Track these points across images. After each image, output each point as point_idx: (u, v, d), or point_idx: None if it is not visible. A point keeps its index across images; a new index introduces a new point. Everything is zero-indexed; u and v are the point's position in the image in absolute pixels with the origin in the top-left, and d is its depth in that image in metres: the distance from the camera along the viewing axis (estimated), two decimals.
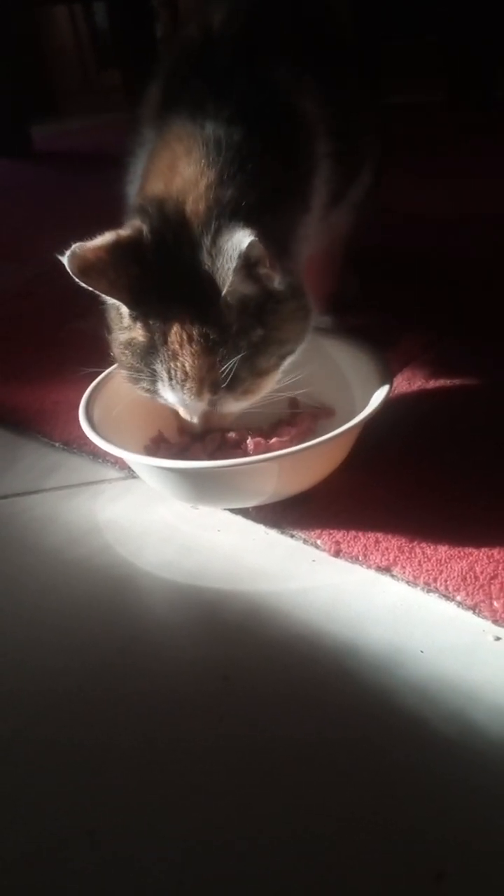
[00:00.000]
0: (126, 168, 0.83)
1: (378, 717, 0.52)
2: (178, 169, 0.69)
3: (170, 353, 0.65)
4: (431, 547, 0.64)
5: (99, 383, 0.77)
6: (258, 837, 0.46)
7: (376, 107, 1.03)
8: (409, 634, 0.57)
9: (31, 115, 2.73)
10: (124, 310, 0.67)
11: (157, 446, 0.76)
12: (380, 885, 0.43)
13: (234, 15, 0.80)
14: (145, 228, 0.66)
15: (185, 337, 0.64)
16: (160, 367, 0.66)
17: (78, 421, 0.72)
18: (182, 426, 0.74)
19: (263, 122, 0.71)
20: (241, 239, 0.60)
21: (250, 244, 0.59)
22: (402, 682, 0.54)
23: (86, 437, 0.70)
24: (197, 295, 0.64)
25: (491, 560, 0.62)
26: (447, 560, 0.62)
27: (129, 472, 0.79)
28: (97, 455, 0.82)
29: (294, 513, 0.70)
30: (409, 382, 0.89)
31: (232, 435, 0.75)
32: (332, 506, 0.70)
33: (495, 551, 0.62)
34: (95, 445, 0.69)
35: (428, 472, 0.73)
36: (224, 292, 0.62)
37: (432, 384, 0.88)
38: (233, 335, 0.64)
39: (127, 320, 0.67)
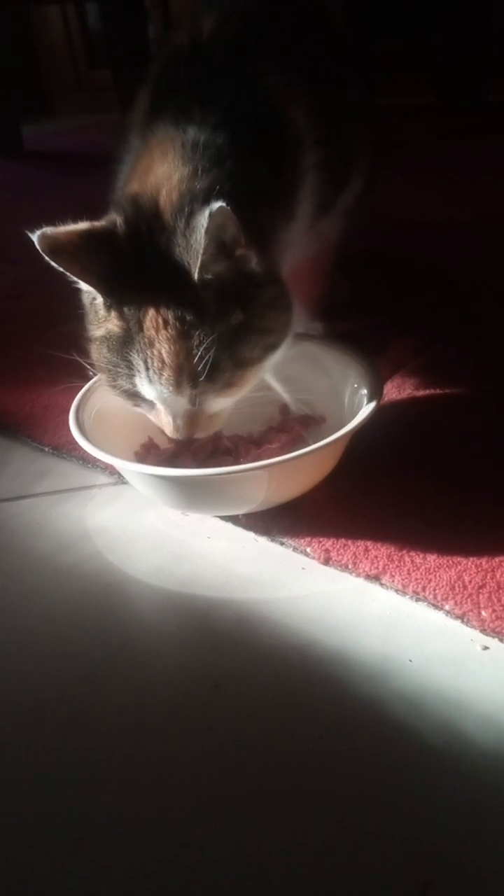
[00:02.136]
0: (115, 175, 0.83)
1: (367, 726, 0.53)
2: (153, 169, 0.69)
3: (146, 340, 0.63)
4: (420, 556, 0.64)
5: (89, 388, 0.76)
6: (246, 846, 0.46)
7: (368, 113, 1.03)
8: (398, 643, 0.58)
9: (22, 115, 2.72)
10: (99, 301, 0.66)
11: (147, 452, 0.76)
12: (367, 894, 0.44)
13: (224, 21, 0.80)
14: (119, 220, 0.66)
15: (160, 321, 0.62)
16: (137, 358, 0.64)
17: (68, 425, 0.72)
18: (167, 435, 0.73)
19: (249, 131, 0.71)
20: (212, 206, 0.58)
21: (220, 209, 0.58)
22: (391, 691, 0.54)
23: (76, 442, 0.70)
24: (172, 279, 0.62)
25: (479, 569, 0.62)
26: (436, 569, 0.63)
27: (119, 478, 0.79)
28: (87, 460, 0.82)
29: (284, 520, 0.70)
30: (398, 389, 0.89)
31: (222, 442, 0.75)
32: (321, 514, 0.70)
33: (483, 560, 0.63)
34: (85, 450, 0.69)
35: (418, 481, 0.73)
36: (197, 268, 0.61)
37: (422, 391, 0.89)
38: (210, 317, 0.62)
39: (102, 312, 0.66)
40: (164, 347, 0.63)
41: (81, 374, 0.77)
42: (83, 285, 0.66)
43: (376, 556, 0.65)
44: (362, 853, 0.45)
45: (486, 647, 0.56)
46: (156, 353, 0.63)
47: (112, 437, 0.72)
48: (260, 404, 0.81)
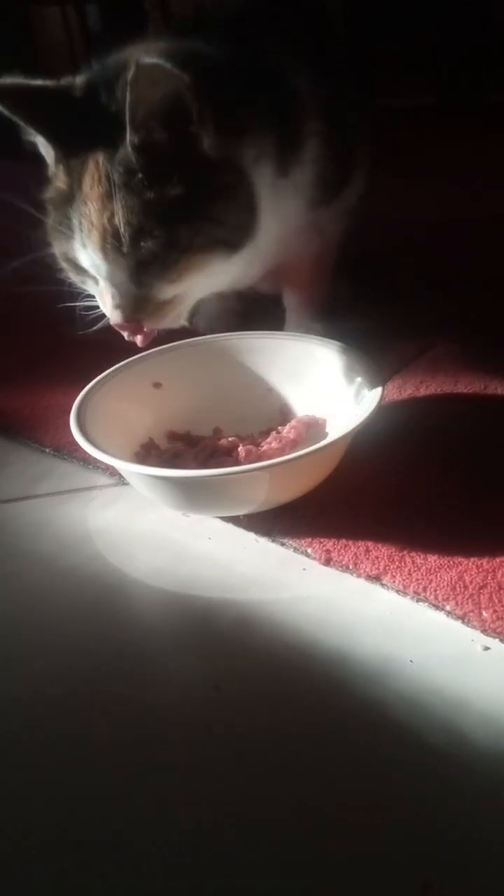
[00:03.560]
0: None
1: (368, 726, 0.52)
2: (137, 46, 0.69)
3: (82, 198, 0.62)
4: (421, 556, 0.64)
5: (90, 388, 0.76)
6: (246, 847, 0.46)
7: (369, 113, 1.03)
8: (399, 644, 0.58)
9: None
10: (50, 157, 0.65)
11: (148, 453, 0.76)
12: (367, 895, 0.44)
13: (227, 5, 0.81)
14: (80, 80, 0.65)
15: (95, 178, 0.61)
16: (74, 217, 0.63)
17: (69, 426, 0.71)
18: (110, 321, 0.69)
19: (252, 72, 0.70)
20: (140, 59, 0.56)
21: (151, 65, 0.55)
22: (392, 691, 0.54)
23: (77, 443, 0.70)
24: (115, 137, 0.61)
25: (480, 570, 0.62)
26: (437, 569, 0.63)
27: (120, 479, 0.79)
28: (88, 461, 0.82)
29: (285, 521, 0.70)
30: (399, 390, 0.89)
31: (223, 442, 0.76)
32: (322, 514, 0.70)
33: (484, 561, 0.63)
34: (86, 452, 0.69)
35: (418, 481, 0.73)
36: (128, 127, 0.58)
37: (424, 392, 0.89)
38: (138, 181, 0.60)
39: (52, 169, 0.65)
40: (93, 206, 0.61)
41: (83, 375, 0.77)
42: (37, 139, 0.65)
43: (377, 557, 0.65)
44: (363, 853, 0.45)
45: (486, 648, 0.56)
46: (86, 211, 0.62)
47: (113, 438, 0.72)
48: (260, 405, 0.81)
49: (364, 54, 2.35)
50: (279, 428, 0.78)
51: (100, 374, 0.78)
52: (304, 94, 0.77)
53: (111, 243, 0.61)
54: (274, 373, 0.82)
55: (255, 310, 1.07)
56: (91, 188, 0.61)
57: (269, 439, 0.76)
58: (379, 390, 0.70)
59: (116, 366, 0.79)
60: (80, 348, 1.01)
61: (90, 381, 0.77)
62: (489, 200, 1.57)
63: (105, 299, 0.66)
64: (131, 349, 0.81)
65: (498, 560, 0.63)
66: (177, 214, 0.62)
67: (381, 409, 0.69)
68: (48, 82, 0.65)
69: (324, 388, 0.79)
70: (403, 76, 2.63)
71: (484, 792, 0.48)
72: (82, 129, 0.63)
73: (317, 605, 0.62)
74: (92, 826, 0.49)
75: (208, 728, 0.54)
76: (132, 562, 0.69)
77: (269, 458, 0.71)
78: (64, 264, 0.68)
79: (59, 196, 0.65)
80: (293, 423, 0.78)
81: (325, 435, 0.75)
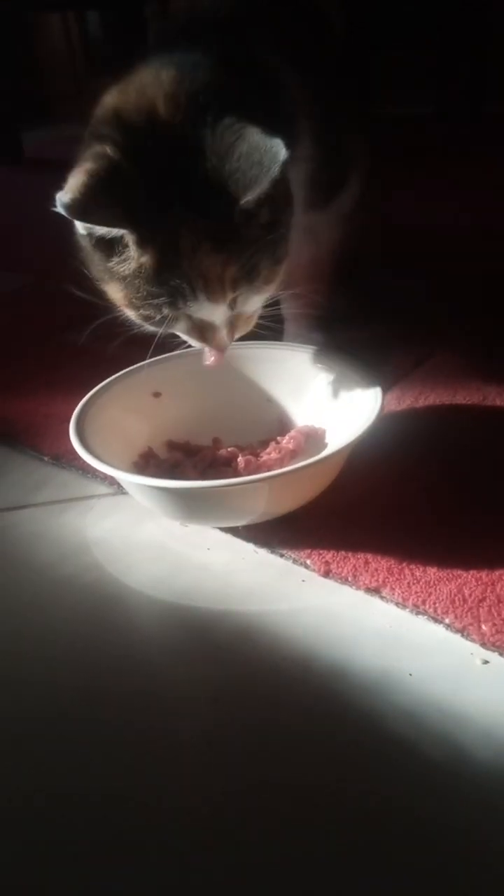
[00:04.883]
0: None
1: (367, 739, 0.52)
2: (131, 80, 0.68)
3: (186, 261, 0.62)
4: (420, 569, 0.64)
5: (90, 398, 0.76)
6: (245, 861, 0.46)
7: (367, 118, 1.03)
8: (398, 657, 0.57)
9: (22, 122, 2.72)
10: (128, 238, 0.64)
11: (147, 462, 0.76)
12: None
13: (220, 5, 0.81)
14: (109, 149, 0.64)
15: (197, 239, 0.62)
16: (178, 281, 0.63)
17: (68, 435, 0.71)
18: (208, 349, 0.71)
19: (245, 72, 0.71)
20: (277, 150, 0.58)
21: (285, 155, 0.58)
22: (391, 705, 0.54)
23: (76, 452, 0.70)
24: (202, 194, 0.62)
25: (479, 583, 0.62)
26: (436, 582, 0.63)
27: (118, 489, 0.79)
28: (87, 470, 0.82)
29: (284, 532, 0.70)
30: (398, 400, 0.89)
31: (222, 452, 0.76)
32: (321, 525, 0.70)
33: (483, 574, 0.63)
34: (85, 461, 0.69)
35: (417, 493, 0.74)
36: (246, 196, 0.60)
37: (423, 402, 0.89)
38: (245, 228, 0.62)
39: (132, 248, 0.64)
40: (204, 263, 0.62)
41: (83, 384, 0.77)
42: (102, 229, 0.63)
43: (376, 569, 0.65)
44: (362, 866, 0.45)
45: (486, 661, 0.56)
46: (197, 271, 0.62)
47: (112, 448, 0.72)
48: (259, 415, 0.81)
49: (364, 64, 2.36)
50: (278, 438, 0.78)
51: (100, 383, 0.78)
52: (294, 91, 0.77)
53: (229, 287, 0.64)
54: (273, 383, 0.83)
55: None
56: (194, 251, 0.62)
57: (268, 450, 0.76)
58: (378, 401, 0.70)
59: (116, 375, 0.80)
60: (80, 357, 1.02)
61: (90, 390, 0.77)
62: (489, 209, 1.57)
63: (206, 336, 0.69)
64: (131, 359, 0.81)
65: (497, 573, 0.63)
66: (273, 240, 0.65)
67: (380, 421, 0.69)
68: (96, 170, 0.63)
69: (323, 399, 0.79)
70: (404, 86, 2.64)
71: (483, 805, 0.48)
72: (154, 199, 0.63)
73: (315, 616, 0.62)
74: (90, 838, 0.48)
75: (207, 740, 0.54)
76: (130, 571, 0.69)
77: (269, 468, 0.71)
78: (144, 322, 0.68)
79: (149, 269, 0.64)
80: (292, 433, 0.78)
81: (324, 446, 0.75)
